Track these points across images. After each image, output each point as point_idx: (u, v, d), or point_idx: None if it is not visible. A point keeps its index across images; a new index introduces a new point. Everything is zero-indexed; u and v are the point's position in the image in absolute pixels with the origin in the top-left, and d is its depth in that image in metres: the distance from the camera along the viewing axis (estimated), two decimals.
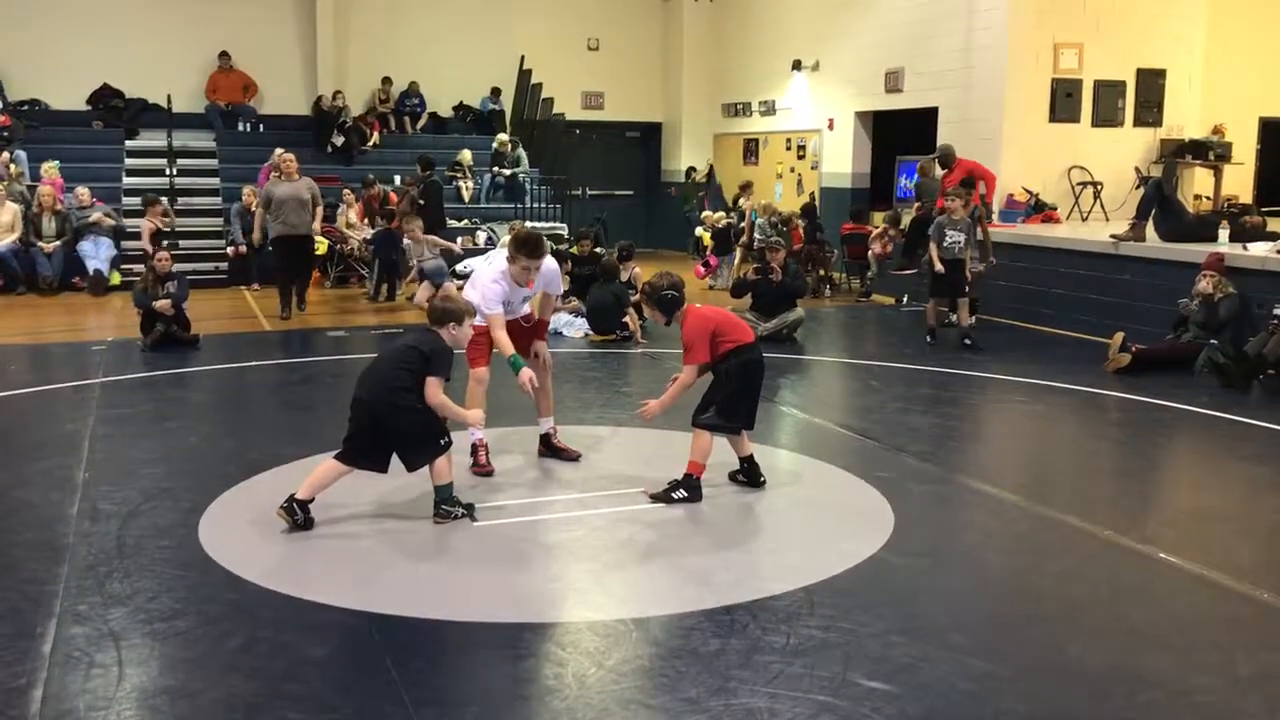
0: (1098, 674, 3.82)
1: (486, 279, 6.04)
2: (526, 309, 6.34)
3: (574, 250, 12.30)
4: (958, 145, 12.63)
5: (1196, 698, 3.66)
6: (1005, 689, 3.69)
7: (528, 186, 17.04)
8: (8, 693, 3.58)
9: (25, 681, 3.65)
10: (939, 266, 10.21)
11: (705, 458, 5.60)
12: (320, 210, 12.20)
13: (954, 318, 11.44)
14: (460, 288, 7.20)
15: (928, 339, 10.56)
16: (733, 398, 5.61)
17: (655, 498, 5.59)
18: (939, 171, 13.36)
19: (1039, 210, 13.22)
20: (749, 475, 5.85)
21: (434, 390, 5.09)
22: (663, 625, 4.18)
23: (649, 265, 14.19)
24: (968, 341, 10.18)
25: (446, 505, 5.31)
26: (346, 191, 15.16)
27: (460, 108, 19.04)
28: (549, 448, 6.46)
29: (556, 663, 3.88)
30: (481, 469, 6.14)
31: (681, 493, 5.57)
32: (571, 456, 6.40)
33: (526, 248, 5.99)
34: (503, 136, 17.28)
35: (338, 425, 7.21)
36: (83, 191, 14.36)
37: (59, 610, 4.23)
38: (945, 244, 10.23)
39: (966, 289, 10.42)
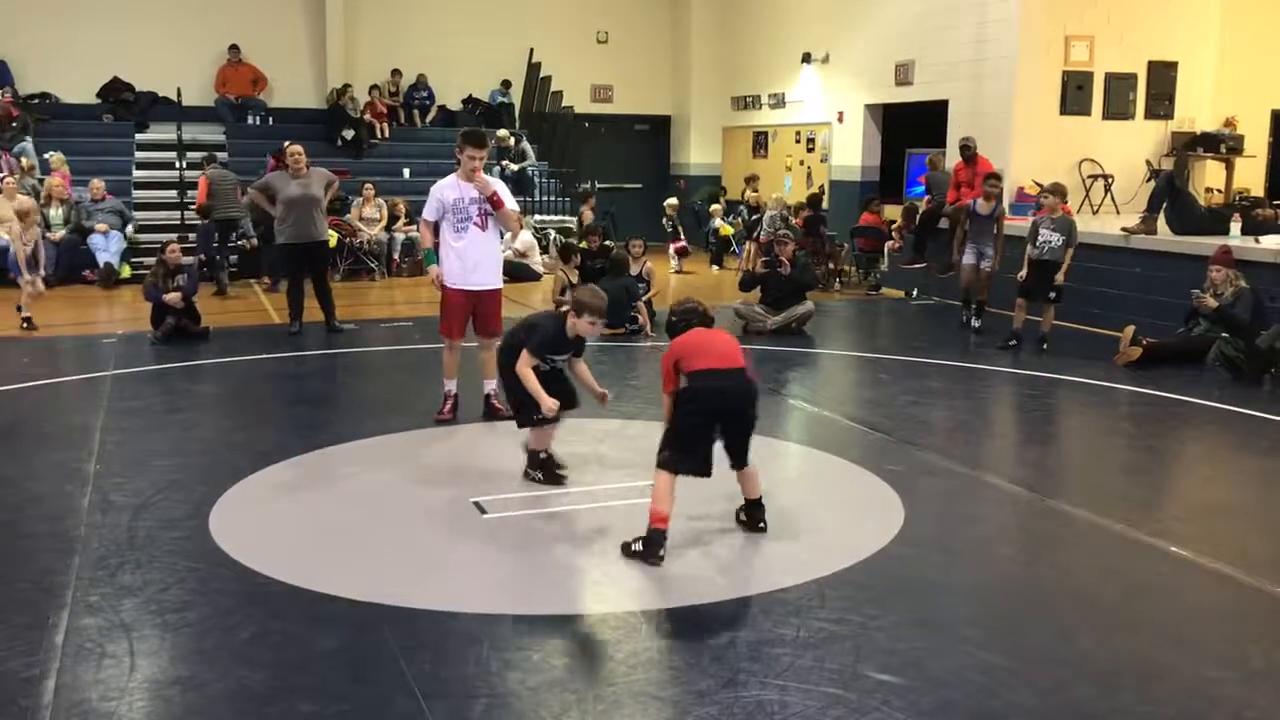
0: (1109, 667, 3.81)
1: (433, 190, 6.90)
2: (476, 214, 6.84)
3: (583, 245, 12.29)
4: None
5: (1209, 691, 3.65)
6: (1016, 682, 3.68)
7: (536, 180, 17.03)
8: (21, 683, 3.60)
9: (38, 672, 3.67)
10: (1022, 271, 9.88)
11: (662, 504, 4.62)
12: (334, 187, 10.93)
13: (966, 317, 11.37)
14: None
15: (1011, 341, 9.88)
16: (679, 432, 4.71)
17: (622, 547, 4.78)
18: (950, 165, 13.35)
19: None
20: (749, 517, 5.09)
21: (520, 361, 5.40)
22: (673, 617, 4.18)
23: (657, 259, 14.23)
24: (1044, 346, 9.78)
25: (530, 468, 5.83)
26: (368, 187, 15.13)
27: (470, 100, 19.02)
28: (488, 407, 7.15)
29: (567, 655, 3.89)
30: (440, 416, 7.01)
31: (638, 545, 4.68)
32: (505, 416, 6.81)
33: (469, 138, 6.73)
34: (503, 132, 17.25)
35: (347, 418, 7.28)
36: (97, 184, 14.40)
37: (71, 601, 4.24)
38: (1037, 243, 9.76)
39: (1059, 293, 9.81)
